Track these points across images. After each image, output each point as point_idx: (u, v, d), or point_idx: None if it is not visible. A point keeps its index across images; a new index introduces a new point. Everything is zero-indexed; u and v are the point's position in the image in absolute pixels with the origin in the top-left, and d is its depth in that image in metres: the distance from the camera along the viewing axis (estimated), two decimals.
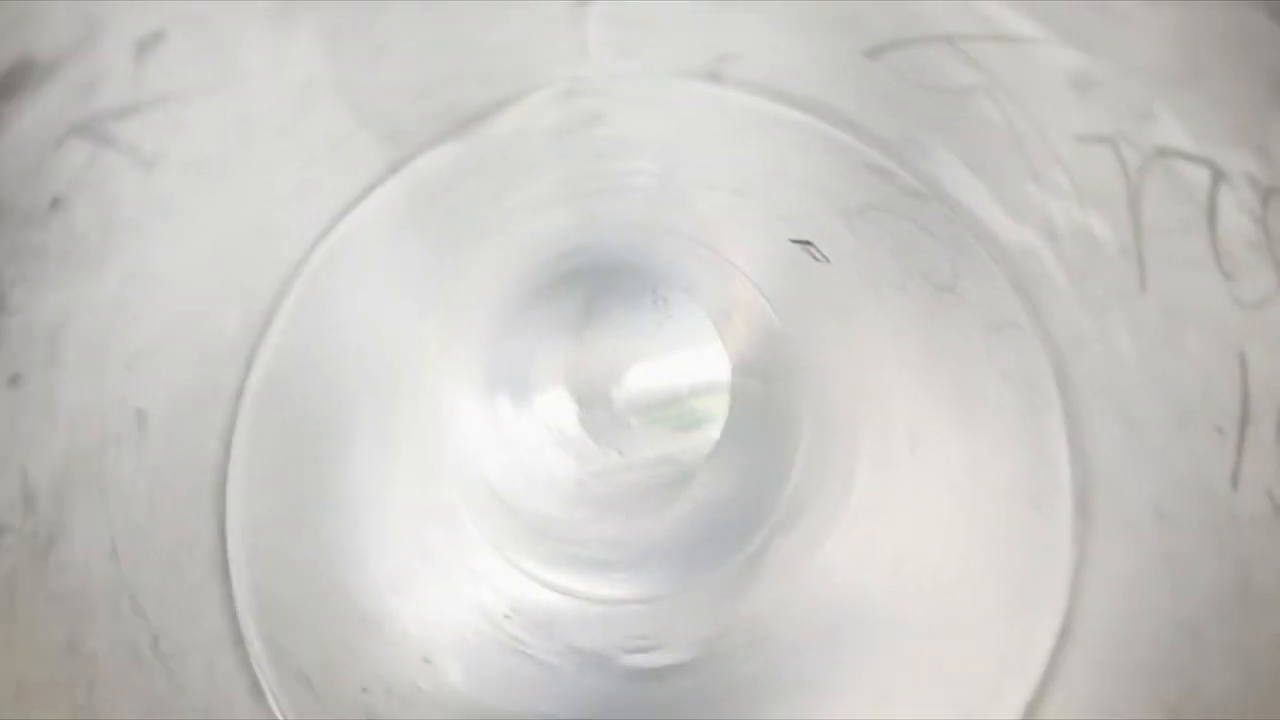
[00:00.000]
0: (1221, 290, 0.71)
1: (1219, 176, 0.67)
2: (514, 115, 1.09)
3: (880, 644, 1.33)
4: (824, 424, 1.82)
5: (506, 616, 1.72)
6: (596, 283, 2.83)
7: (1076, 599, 0.95)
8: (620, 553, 2.22)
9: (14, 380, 0.72)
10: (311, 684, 1.14)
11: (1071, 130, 0.77)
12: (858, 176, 1.08)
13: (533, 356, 2.81)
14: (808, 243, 1.43)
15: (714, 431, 2.69)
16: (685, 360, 2.97)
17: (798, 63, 0.98)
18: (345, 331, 1.30)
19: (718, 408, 2.72)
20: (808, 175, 1.21)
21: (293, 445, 1.20)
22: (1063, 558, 0.96)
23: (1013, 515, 1.08)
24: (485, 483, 2.25)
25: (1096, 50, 0.70)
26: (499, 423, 2.62)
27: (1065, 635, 0.96)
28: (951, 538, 1.25)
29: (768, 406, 2.28)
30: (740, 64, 0.99)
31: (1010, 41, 0.75)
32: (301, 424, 1.23)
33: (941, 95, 0.87)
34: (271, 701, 1.06)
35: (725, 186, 1.46)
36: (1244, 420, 0.73)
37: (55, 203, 0.68)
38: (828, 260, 1.42)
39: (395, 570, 1.51)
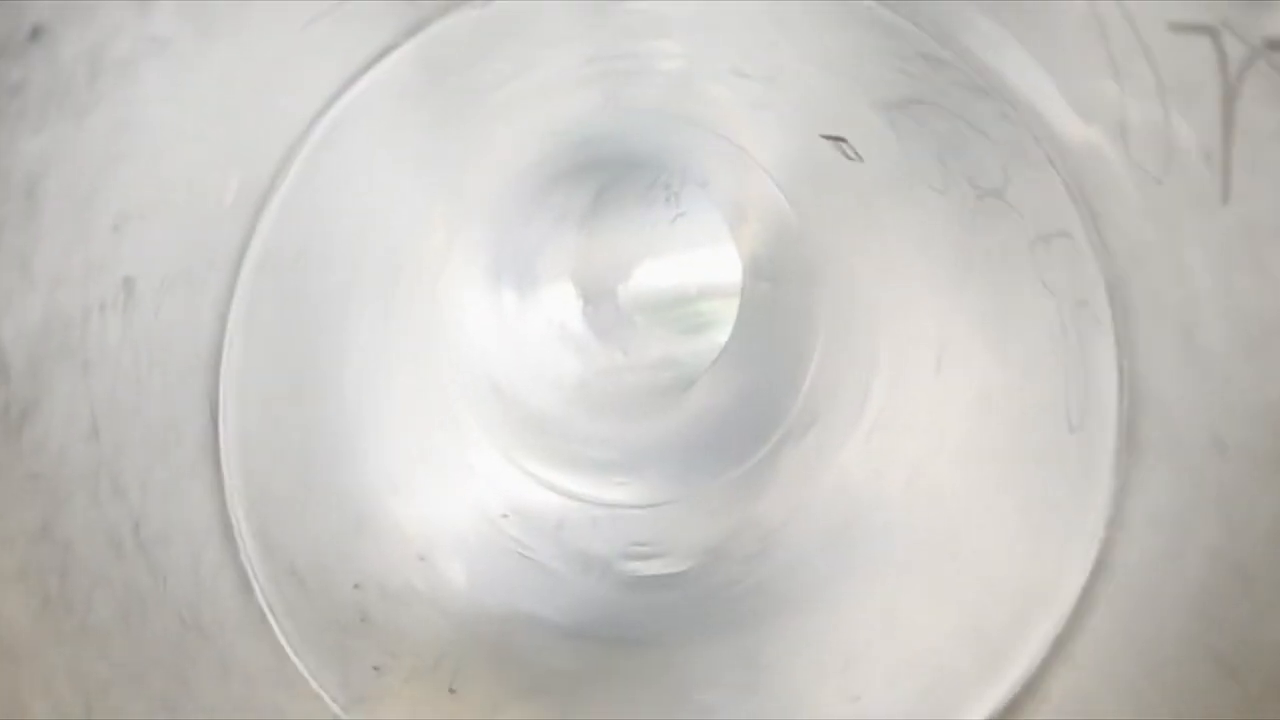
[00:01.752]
0: None
1: None
2: None
3: (892, 561, 1.29)
4: (841, 333, 1.77)
5: (504, 516, 1.69)
6: (610, 174, 2.76)
7: (1116, 531, 0.90)
8: (620, 455, 2.19)
9: None
10: (302, 579, 1.09)
11: (1166, 18, 0.69)
12: (906, 65, 1.01)
13: (540, 248, 2.76)
14: (840, 138, 1.35)
15: (720, 336, 2.65)
16: (695, 260, 2.92)
17: None
18: (350, 209, 1.24)
19: (726, 312, 2.67)
20: (849, 62, 1.13)
21: (291, 326, 1.15)
22: (1102, 486, 0.91)
23: (1046, 438, 1.03)
24: (486, 377, 2.21)
25: None
26: (503, 315, 2.57)
27: (1101, 568, 0.91)
28: (976, 457, 1.19)
29: (779, 312, 2.23)
30: None
31: None
32: (301, 304, 1.17)
33: None
34: (259, 596, 1.02)
35: (757, 74, 1.38)
36: None
37: (36, 32, 0.61)
38: (860, 159, 1.35)
39: (392, 464, 1.47)
